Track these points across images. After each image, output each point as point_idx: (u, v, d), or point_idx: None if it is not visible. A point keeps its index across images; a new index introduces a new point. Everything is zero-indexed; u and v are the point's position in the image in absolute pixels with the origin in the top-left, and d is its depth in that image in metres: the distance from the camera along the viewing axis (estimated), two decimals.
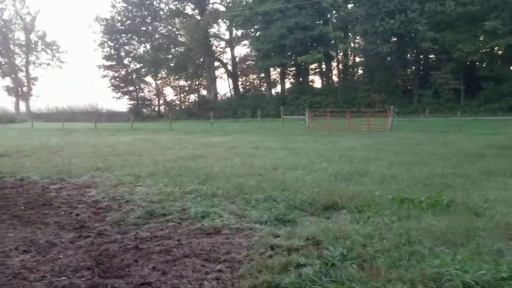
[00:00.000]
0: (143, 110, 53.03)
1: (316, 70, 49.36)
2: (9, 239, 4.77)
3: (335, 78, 48.20)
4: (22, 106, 60.03)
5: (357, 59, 47.50)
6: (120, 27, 51.74)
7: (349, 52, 46.25)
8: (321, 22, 42.28)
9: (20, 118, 47.58)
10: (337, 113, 31.02)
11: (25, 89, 61.08)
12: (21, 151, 16.08)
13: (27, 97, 60.39)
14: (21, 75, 61.92)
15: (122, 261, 3.87)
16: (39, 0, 61.70)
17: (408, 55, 40.94)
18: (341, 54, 46.59)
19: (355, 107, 36.34)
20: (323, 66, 48.22)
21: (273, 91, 49.22)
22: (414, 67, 41.50)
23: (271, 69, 47.35)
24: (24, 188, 8.17)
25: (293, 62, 45.21)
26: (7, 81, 61.43)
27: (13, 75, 60.97)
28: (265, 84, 49.76)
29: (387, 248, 3.77)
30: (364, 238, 4.07)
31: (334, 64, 48.16)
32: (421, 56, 40.58)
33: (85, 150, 16.51)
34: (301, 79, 48.26)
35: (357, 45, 45.58)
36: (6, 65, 61.07)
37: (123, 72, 53.86)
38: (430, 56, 40.43)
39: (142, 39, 53.02)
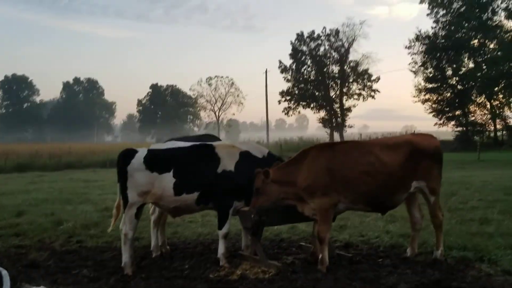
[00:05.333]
0: (475, 137, 44.99)
1: None
2: None
3: None
4: (337, 137, 61.51)
5: None
6: (444, 43, 46.03)
7: None
8: None
9: None
10: None
11: (339, 120, 62.56)
12: None
13: (341, 128, 61.53)
14: (335, 106, 63.91)
15: None
16: (350, 32, 62.02)
17: None
18: None
19: None
20: None
21: None
22: None
23: None
24: None
25: None
26: (322, 113, 64.49)
27: (328, 107, 63.48)
28: None
29: None
30: None
31: None
32: None
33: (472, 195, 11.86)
34: None
35: None
36: (322, 98, 64.24)
37: (447, 94, 47.64)
38: None
39: (473, 53, 45.69)
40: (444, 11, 47.60)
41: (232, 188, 5.77)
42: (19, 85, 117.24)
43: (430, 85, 48.21)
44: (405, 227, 7.15)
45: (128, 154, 5.87)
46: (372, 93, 63.76)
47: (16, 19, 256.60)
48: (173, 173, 5.69)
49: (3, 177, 23.24)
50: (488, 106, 46.27)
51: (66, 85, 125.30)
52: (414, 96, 49.89)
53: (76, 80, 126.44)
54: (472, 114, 47.15)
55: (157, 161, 5.79)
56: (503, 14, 44.64)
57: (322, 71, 64.70)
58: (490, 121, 46.25)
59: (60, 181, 19.91)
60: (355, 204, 5.55)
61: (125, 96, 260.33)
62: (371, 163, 5.35)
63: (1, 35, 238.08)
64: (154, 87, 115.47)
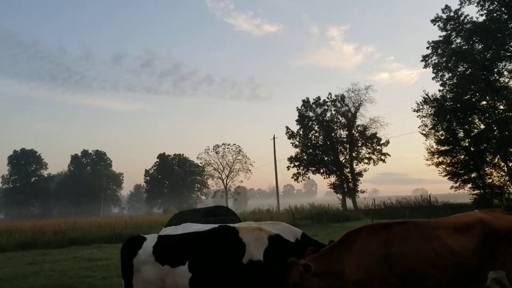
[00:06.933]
0: (495, 200, 43.34)
1: None
2: None
3: None
4: (349, 203, 59.98)
5: None
6: (453, 105, 45.77)
7: None
8: None
9: (354, 216, 46.06)
10: None
11: (350, 185, 61.36)
12: None
13: (353, 193, 60.17)
14: (346, 171, 62.98)
15: None
16: (359, 97, 62.29)
17: None
18: None
19: None
20: None
21: None
22: None
23: None
24: None
25: None
26: (333, 179, 63.42)
27: (338, 172, 62.52)
28: None
29: None
30: None
31: None
32: None
33: None
34: None
35: None
36: (331, 163, 63.50)
37: (461, 157, 46.59)
38: None
39: (482, 114, 45.27)
40: (450, 74, 47.97)
41: (262, 282, 4.71)
42: (27, 160, 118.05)
43: (443, 148, 47.43)
44: None
45: (134, 243, 4.88)
46: (383, 157, 63.07)
47: (28, 96, 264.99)
48: (188, 266, 4.67)
49: (4, 256, 22.10)
50: (505, 167, 45.04)
51: (74, 158, 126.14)
52: (427, 160, 48.98)
53: (84, 153, 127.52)
54: (489, 176, 45.78)
55: (169, 250, 4.79)
56: (508, 76, 44.87)
57: (330, 136, 64.55)
58: (508, 182, 44.77)
59: (63, 260, 18.69)
60: None
61: (133, 166, 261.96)
62: (438, 252, 4.30)
63: (13, 112, 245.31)
64: (162, 156, 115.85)
